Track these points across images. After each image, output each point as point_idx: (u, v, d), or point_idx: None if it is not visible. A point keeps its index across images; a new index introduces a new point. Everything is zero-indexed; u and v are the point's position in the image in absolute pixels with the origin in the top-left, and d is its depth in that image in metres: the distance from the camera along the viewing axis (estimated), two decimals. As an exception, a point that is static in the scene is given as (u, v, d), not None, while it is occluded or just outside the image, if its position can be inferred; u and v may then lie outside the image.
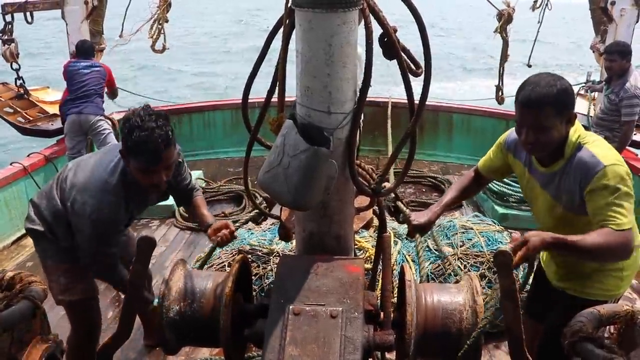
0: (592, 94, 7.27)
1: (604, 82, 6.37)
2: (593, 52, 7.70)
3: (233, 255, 4.61)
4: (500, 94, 7.33)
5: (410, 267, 2.10)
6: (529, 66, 8.00)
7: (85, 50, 6.88)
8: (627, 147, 6.46)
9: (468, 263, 4.43)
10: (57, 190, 3.01)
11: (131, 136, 2.60)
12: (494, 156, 2.91)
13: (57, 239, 3.06)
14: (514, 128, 2.69)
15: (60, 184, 3.00)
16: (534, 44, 7.88)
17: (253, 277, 4.26)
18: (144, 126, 2.59)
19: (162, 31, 7.42)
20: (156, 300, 2.70)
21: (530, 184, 2.73)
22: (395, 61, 1.99)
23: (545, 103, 2.35)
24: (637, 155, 6.76)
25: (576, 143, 2.48)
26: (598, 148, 2.46)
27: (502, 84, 7.27)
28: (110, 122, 6.95)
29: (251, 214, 2.98)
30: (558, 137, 2.44)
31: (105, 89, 7.01)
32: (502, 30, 7.11)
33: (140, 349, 4.15)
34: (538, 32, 7.70)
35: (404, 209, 2.62)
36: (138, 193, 2.94)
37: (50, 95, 8.15)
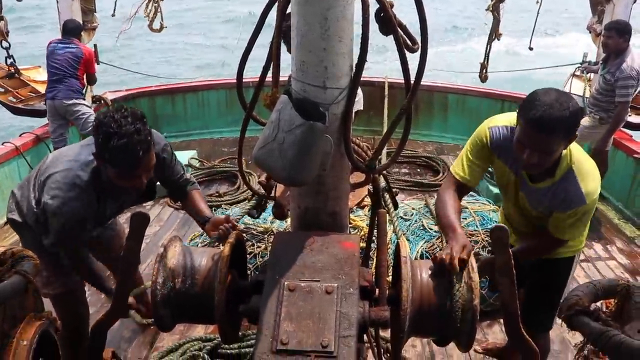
0: (588, 75, 7.23)
1: (600, 62, 6.33)
2: (590, 32, 7.66)
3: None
4: (484, 72, 7.31)
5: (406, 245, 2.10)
6: (531, 49, 7.94)
7: (68, 30, 6.72)
8: (621, 129, 6.46)
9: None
10: (34, 181, 2.90)
11: (107, 144, 2.42)
12: (478, 160, 2.72)
13: (34, 231, 2.96)
14: (492, 125, 2.71)
15: (38, 176, 2.88)
16: (535, 25, 7.80)
17: (248, 256, 4.25)
18: (122, 132, 2.40)
19: (158, 9, 7.31)
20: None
21: (514, 188, 2.77)
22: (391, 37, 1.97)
23: (558, 129, 2.29)
24: (631, 136, 6.76)
25: (567, 167, 2.52)
26: (586, 180, 2.52)
27: (488, 62, 7.23)
28: (87, 105, 6.77)
29: (249, 203, 2.88)
30: (557, 155, 2.44)
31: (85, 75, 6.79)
32: (495, 9, 7.05)
33: (134, 327, 4.16)
34: (538, 13, 7.63)
35: None
36: (113, 192, 2.83)
37: (41, 74, 8.06)
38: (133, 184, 2.63)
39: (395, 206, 2.55)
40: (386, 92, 7.87)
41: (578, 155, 2.56)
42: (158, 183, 3.09)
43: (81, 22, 7.13)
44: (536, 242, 2.73)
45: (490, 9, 7.05)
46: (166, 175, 3.06)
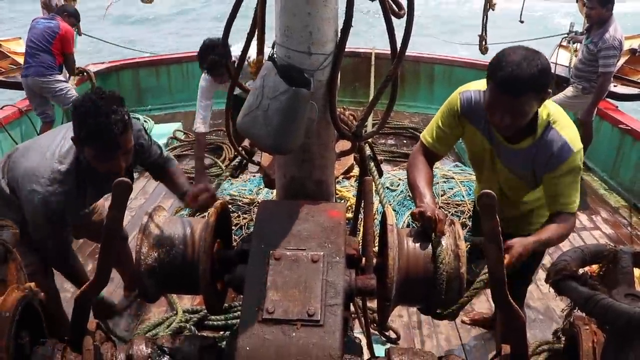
0: (575, 45, 7.22)
1: (584, 31, 6.32)
2: (576, 1, 7.62)
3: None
4: (484, 43, 7.25)
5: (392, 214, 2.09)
6: (521, 22, 7.89)
7: (58, 10, 6.61)
8: (606, 99, 6.48)
9: (449, 212, 4.45)
10: (4, 170, 2.85)
11: (85, 122, 2.47)
12: (448, 129, 2.65)
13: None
14: (463, 91, 2.64)
15: (10, 164, 2.83)
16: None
17: (234, 228, 4.24)
18: (98, 112, 2.45)
19: None
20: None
21: (489, 156, 2.67)
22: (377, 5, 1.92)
23: (527, 88, 2.22)
24: (616, 107, 6.78)
25: (546, 121, 2.46)
26: (567, 130, 2.47)
27: (486, 33, 7.17)
28: (63, 79, 6.58)
29: (229, 166, 2.86)
30: (530, 116, 2.35)
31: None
32: None
33: (120, 300, 4.15)
34: None
35: None
36: (94, 180, 2.81)
37: (22, 46, 7.89)
38: (112, 168, 2.62)
39: (380, 174, 2.53)
40: (372, 62, 7.80)
41: (553, 107, 2.51)
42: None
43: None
44: (548, 233, 2.48)
45: None
46: (145, 157, 3.09)
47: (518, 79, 2.19)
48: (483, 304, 4.20)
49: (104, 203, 3.51)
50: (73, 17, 6.72)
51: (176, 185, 3.11)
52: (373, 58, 7.87)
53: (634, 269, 1.65)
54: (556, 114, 2.49)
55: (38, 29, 6.35)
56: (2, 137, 6.21)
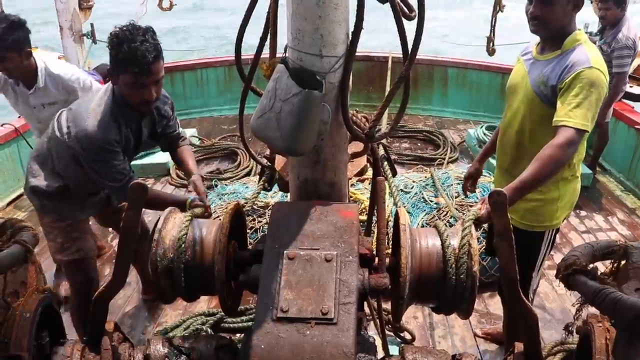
0: (590, 45, 7.16)
1: (598, 33, 6.28)
2: (591, 2, 7.58)
3: (228, 210, 4.63)
4: (491, 45, 7.23)
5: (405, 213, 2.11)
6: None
7: None
8: (622, 100, 6.43)
9: (463, 213, 4.44)
10: (55, 129, 2.96)
11: (120, 48, 2.60)
12: (513, 69, 3.01)
13: (56, 198, 3.09)
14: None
15: (57, 126, 2.95)
16: None
17: (249, 231, 4.27)
18: (133, 38, 2.60)
19: None
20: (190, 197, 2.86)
21: (522, 78, 2.88)
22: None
23: None
24: (632, 108, 6.73)
25: (576, 41, 2.68)
26: (594, 53, 2.64)
27: (494, 35, 7.15)
28: None
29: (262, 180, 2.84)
30: (562, 17, 2.64)
31: None
32: None
33: (137, 303, 4.19)
34: None
35: None
36: (130, 116, 2.95)
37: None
38: (145, 97, 2.76)
39: (394, 173, 2.55)
40: (389, 66, 7.80)
41: (588, 40, 2.72)
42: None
43: (77, 2, 7.07)
44: (538, 156, 2.50)
45: None
46: (167, 124, 3.28)
47: None
48: (498, 305, 4.18)
49: None
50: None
51: (185, 165, 3.34)
52: (390, 62, 7.87)
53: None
54: (589, 43, 2.70)
55: None
56: (20, 144, 6.26)
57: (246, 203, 4.36)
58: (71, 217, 3.18)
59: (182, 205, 2.83)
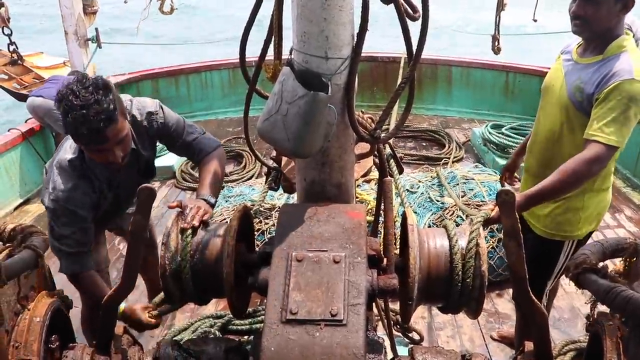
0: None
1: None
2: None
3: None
4: (496, 44, 7.22)
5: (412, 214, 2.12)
6: (535, 20, 7.82)
7: None
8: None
9: (472, 210, 4.44)
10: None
11: (66, 118, 2.32)
12: (551, 67, 2.86)
13: None
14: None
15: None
16: None
17: (255, 233, 4.27)
18: (79, 104, 2.29)
19: None
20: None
21: (556, 73, 2.74)
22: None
23: None
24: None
25: (621, 48, 2.46)
26: (638, 62, 2.42)
27: (499, 33, 7.14)
28: None
29: (269, 178, 2.79)
30: (607, 19, 2.42)
31: None
32: None
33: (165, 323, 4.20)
34: None
35: None
36: (102, 174, 2.73)
37: (44, 60, 8.05)
38: (107, 159, 2.51)
39: (401, 171, 2.55)
40: (401, 67, 7.78)
41: (633, 46, 2.51)
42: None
43: (82, 6, 7.10)
44: (563, 167, 2.41)
45: None
46: (168, 140, 2.90)
47: None
48: (506, 304, 4.18)
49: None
50: None
51: (199, 183, 2.76)
52: (402, 62, 7.84)
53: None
54: (635, 51, 2.48)
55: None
56: (26, 148, 6.32)
57: (253, 205, 4.37)
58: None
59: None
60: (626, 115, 2.36)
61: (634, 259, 1.58)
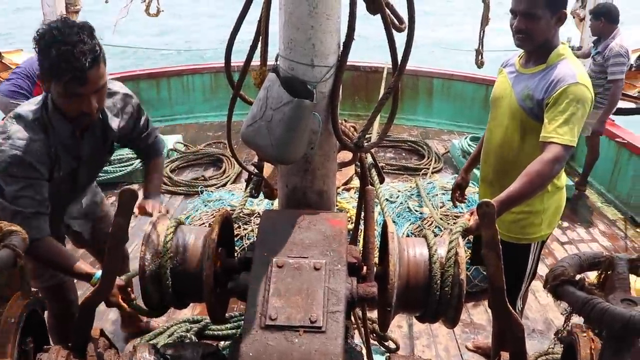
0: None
1: (592, 44, 6.39)
2: (573, 17, 7.70)
3: (214, 217, 4.62)
4: (480, 57, 7.31)
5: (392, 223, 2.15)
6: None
7: None
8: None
9: (448, 223, 4.47)
10: None
11: (49, 53, 2.17)
12: (496, 81, 3.05)
13: None
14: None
15: None
16: None
17: (234, 238, 4.26)
18: (65, 40, 2.16)
19: None
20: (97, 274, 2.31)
21: (502, 85, 2.95)
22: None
23: None
24: (614, 121, 6.84)
25: (561, 56, 2.72)
26: (578, 67, 2.69)
27: (482, 47, 7.23)
28: None
29: (248, 187, 2.78)
30: (546, 31, 2.67)
31: None
32: None
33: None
34: None
35: None
36: (66, 134, 2.51)
37: (23, 57, 7.96)
38: (84, 109, 2.35)
39: (382, 180, 2.57)
40: (384, 77, 7.82)
41: (571, 54, 2.77)
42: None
43: (64, 5, 7.03)
44: (527, 171, 2.56)
45: None
46: (136, 132, 2.88)
47: None
48: (482, 315, 4.21)
49: (110, 215, 3.41)
50: None
51: (145, 183, 2.97)
52: (385, 73, 7.89)
53: (633, 276, 1.69)
54: (572, 57, 2.75)
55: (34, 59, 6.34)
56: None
57: (233, 210, 4.36)
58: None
59: (84, 278, 2.45)
60: (576, 116, 2.57)
61: (610, 272, 1.62)
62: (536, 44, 2.72)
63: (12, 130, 2.38)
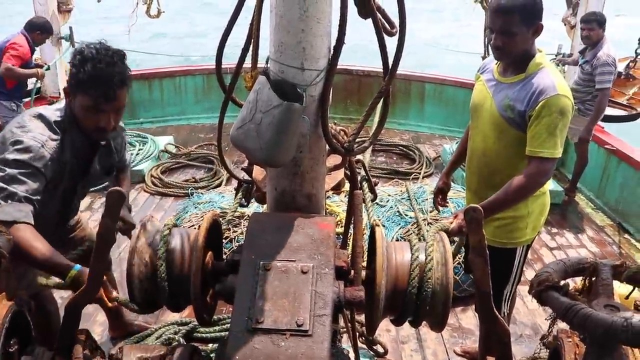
0: (563, 67, 7.34)
1: (579, 54, 6.44)
2: (564, 25, 7.75)
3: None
4: None
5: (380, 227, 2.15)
6: None
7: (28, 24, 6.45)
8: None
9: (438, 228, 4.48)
10: None
11: (84, 67, 2.39)
12: (474, 88, 3.07)
13: None
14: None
15: None
16: None
17: (224, 241, 4.25)
18: (100, 59, 2.41)
19: None
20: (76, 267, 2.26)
21: (482, 93, 2.96)
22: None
23: (512, 10, 2.61)
24: (602, 128, 6.89)
25: (539, 65, 2.74)
26: (557, 77, 2.73)
27: (488, 54, 7.25)
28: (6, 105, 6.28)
29: (238, 196, 2.77)
30: (523, 44, 2.70)
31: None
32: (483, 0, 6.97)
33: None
34: None
35: None
36: (79, 145, 2.63)
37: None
38: (102, 123, 2.52)
39: (374, 197, 2.58)
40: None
41: (549, 61, 2.81)
42: None
43: (56, 4, 7.01)
44: (514, 179, 2.68)
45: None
46: (121, 155, 3.10)
47: (506, 2, 2.62)
48: (470, 319, 4.23)
49: (86, 217, 3.39)
50: (37, 30, 6.48)
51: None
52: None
53: (618, 283, 1.70)
54: (550, 66, 2.79)
55: None
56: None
57: (224, 213, 4.36)
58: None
59: (62, 270, 2.29)
60: (559, 127, 2.64)
61: (594, 278, 1.63)
62: (514, 56, 2.77)
63: (32, 126, 2.50)
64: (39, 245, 2.33)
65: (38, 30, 6.50)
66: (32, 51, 6.52)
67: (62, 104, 2.67)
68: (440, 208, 3.55)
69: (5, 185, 2.34)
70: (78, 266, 2.28)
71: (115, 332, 3.95)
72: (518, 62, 2.78)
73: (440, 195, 3.47)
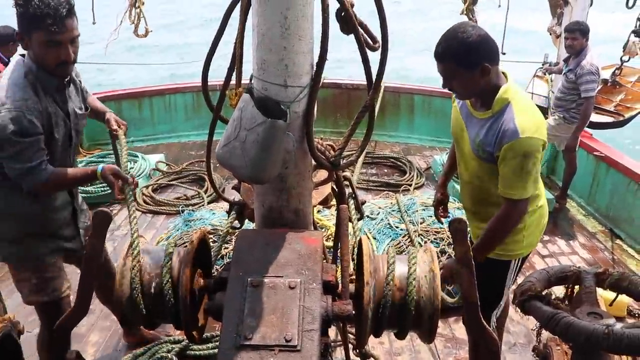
0: (550, 75, 7.40)
1: (563, 62, 6.51)
2: (550, 34, 7.82)
3: (195, 236, 4.60)
4: None
5: (371, 243, 2.15)
6: (503, 54, 8.00)
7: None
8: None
9: (428, 239, 4.50)
10: None
11: (29, 5, 2.49)
12: (452, 112, 3.04)
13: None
14: None
15: None
16: (505, 31, 7.77)
17: (215, 257, 4.24)
18: None
19: (141, 15, 7.10)
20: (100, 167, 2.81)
21: (458, 123, 2.95)
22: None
23: (445, 58, 2.60)
24: (591, 134, 6.94)
25: (505, 101, 2.66)
26: (522, 114, 2.62)
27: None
28: None
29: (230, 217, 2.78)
30: (473, 84, 2.64)
31: None
32: (469, 12, 7.03)
33: (101, 332, 4.12)
34: (506, 18, 7.66)
35: None
36: (50, 84, 2.76)
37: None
38: (62, 56, 2.63)
39: (361, 216, 2.58)
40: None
41: (518, 95, 2.71)
42: None
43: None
44: (490, 222, 2.74)
45: (465, 11, 6.97)
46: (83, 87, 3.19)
47: (439, 49, 2.60)
48: (463, 330, 4.22)
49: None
50: (10, 41, 6.31)
51: (93, 110, 3.37)
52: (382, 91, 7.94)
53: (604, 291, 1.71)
54: (518, 98, 2.68)
55: None
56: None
57: (214, 230, 4.35)
58: (41, 257, 2.92)
59: (92, 176, 2.86)
60: (526, 170, 2.60)
61: (577, 286, 1.64)
62: (472, 94, 2.74)
63: (11, 92, 2.62)
64: (68, 175, 2.84)
65: (11, 41, 6.34)
66: (6, 65, 6.40)
67: (14, 61, 2.77)
68: (431, 219, 3.57)
69: (20, 166, 2.64)
70: (101, 166, 2.85)
71: (130, 338, 4.00)
72: (483, 96, 2.73)
73: (441, 206, 3.48)
